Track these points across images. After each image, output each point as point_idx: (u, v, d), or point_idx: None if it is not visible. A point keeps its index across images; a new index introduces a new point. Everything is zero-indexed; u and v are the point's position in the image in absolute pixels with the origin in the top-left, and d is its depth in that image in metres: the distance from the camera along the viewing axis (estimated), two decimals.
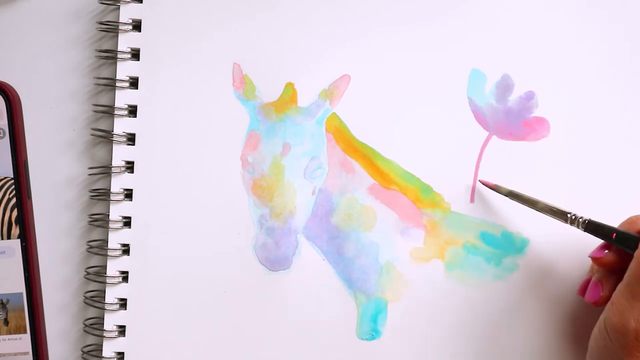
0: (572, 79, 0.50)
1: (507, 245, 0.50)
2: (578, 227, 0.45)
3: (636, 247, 0.42)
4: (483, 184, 0.50)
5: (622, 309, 0.41)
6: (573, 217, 0.46)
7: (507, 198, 0.49)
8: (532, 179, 0.50)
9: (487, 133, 0.51)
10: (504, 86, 0.51)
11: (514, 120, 0.50)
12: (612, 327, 0.41)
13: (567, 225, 0.46)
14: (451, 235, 0.50)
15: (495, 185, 0.49)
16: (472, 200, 0.50)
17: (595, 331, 0.43)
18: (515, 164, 0.50)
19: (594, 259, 0.45)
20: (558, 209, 0.47)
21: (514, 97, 0.51)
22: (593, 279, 0.46)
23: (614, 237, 0.44)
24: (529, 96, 0.50)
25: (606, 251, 0.45)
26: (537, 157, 0.50)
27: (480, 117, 0.51)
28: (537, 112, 0.50)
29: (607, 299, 0.44)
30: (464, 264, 0.50)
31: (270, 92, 0.51)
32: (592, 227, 0.45)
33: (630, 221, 0.45)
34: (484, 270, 0.50)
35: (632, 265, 0.41)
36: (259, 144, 0.51)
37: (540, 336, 0.50)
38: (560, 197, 0.49)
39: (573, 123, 0.50)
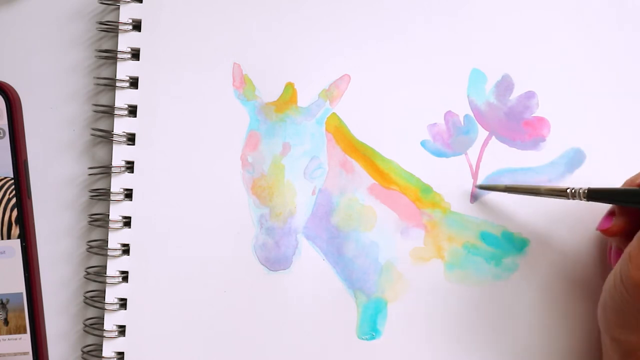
0: (572, 79, 0.50)
1: (507, 245, 0.50)
2: (580, 198, 0.45)
3: None
4: (481, 187, 0.50)
5: None
6: (573, 190, 0.45)
7: (506, 194, 0.49)
8: (532, 179, 0.50)
9: (487, 133, 0.50)
10: (504, 86, 0.51)
11: (514, 120, 0.50)
12: (630, 282, 0.40)
13: (567, 224, 0.46)
14: (451, 235, 0.50)
15: (491, 185, 0.49)
16: (472, 200, 0.50)
17: (609, 285, 0.42)
18: (516, 164, 0.50)
19: (602, 230, 0.45)
20: (557, 189, 0.46)
21: (514, 97, 0.51)
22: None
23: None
24: (529, 96, 0.50)
25: (613, 219, 0.44)
26: (538, 157, 0.50)
27: (480, 117, 0.51)
28: (537, 112, 0.50)
29: (618, 228, 0.44)
30: (464, 264, 0.50)
31: (270, 92, 0.51)
32: (593, 194, 0.44)
33: (630, 181, 0.44)
34: (484, 270, 0.50)
35: None
36: (259, 144, 0.51)
37: (540, 336, 0.50)
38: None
39: (573, 123, 0.50)
